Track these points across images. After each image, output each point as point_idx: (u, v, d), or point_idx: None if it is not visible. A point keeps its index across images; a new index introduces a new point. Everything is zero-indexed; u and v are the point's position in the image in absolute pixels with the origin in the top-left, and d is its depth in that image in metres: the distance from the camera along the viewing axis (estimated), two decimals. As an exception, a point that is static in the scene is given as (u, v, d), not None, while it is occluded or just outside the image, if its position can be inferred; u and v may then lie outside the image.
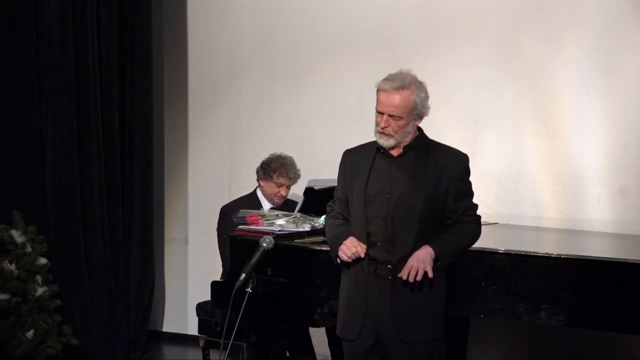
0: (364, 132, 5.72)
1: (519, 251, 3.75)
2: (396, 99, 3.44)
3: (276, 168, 5.04)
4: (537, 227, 5.06)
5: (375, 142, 3.57)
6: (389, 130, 3.46)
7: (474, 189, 3.63)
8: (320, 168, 5.61)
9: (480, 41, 5.39)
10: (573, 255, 3.69)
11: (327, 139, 5.93)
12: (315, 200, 4.57)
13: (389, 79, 3.49)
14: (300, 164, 5.23)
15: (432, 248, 3.39)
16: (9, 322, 4.98)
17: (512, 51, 5.31)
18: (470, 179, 3.62)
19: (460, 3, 5.46)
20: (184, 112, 6.54)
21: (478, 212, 3.60)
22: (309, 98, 6.04)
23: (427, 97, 3.51)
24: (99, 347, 5.64)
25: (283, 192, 5.06)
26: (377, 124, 3.50)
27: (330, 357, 5.11)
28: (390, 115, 3.45)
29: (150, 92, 6.15)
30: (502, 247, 3.77)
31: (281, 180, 5.04)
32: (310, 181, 4.80)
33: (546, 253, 3.70)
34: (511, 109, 5.32)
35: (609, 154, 5.05)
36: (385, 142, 3.48)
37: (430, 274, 3.36)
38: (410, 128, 3.49)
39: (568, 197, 5.14)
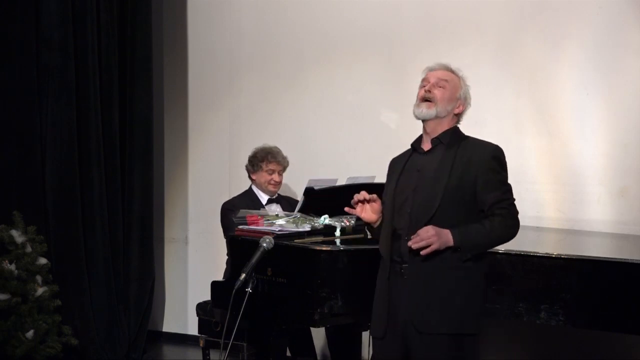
0: (363, 133, 5.79)
1: (519, 251, 3.75)
2: (445, 72, 3.48)
3: (263, 157, 5.09)
4: (537, 227, 5.06)
5: (411, 147, 3.55)
6: (431, 95, 3.41)
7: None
8: (319, 168, 5.63)
9: (481, 41, 5.40)
10: (573, 255, 3.69)
11: (327, 138, 5.94)
12: (315, 200, 4.57)
13: (438, 63, 3.53)
14: (299, 163, 5.23)
15: (452, 236, 3.26)
16: (9, 322, 4.98)
17: (512, 51, 5.32)
18: None
19: (461, 3, 5.47)
20: (184, 112, 6.55)
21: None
22: (308, 98, 6.05)
23: (469, 93, 3.51)
24: (99, 347, 5.64)
25: (276, 178, 5.10)
26: (418, 96, 3.46)
27: (330, 357, 5.11)
28: (436, 83, 3.43)
29: (150, 92, 6.15)
30: (502, 247, 3.77)
31: (271, 166, 5.08)
32: (310, 181, 4.81)
33: (546, 253, 3.71)
34: (511, 109, 5.32)
35: (609, 154, 5.05)
36: (425, 109, 3.41)
37: (424, 253, 3.23)
38: (451, 108, 3.44)
39: (568, 197, 5.14)
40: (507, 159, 5.10)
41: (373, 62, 5.76)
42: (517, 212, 3.39)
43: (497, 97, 5.35)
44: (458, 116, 3.50)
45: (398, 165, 3.54)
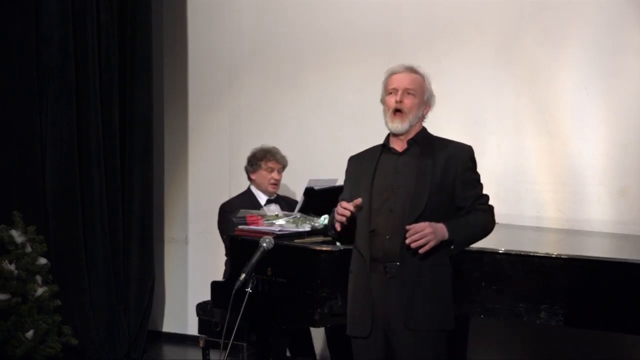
0: (363, 133, 5.74)
1: (519, 251, 3.75)
2: (410, 76, 3.55)
3: (262, 156, 5.11)
4: (537, 227, 5.06)
5: (379, 145, 3.61)
6: (403, 106, 3.49)
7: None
8: (319, 168, 5.62)
9: (481, 41, 5.40)
10: (573, 255, 3.69)
11: (327, 139, 5.94)
12: (315, 200, 4.57)
13: (399, 65, 3.58)
14: (299, 163, 5.22)
15: (447, 231, 3.37)
16: (9, 322, 4.98)
17: (512, 51, 5.32)
18: None
19: (461, 3, 5.46)
20: (184, 112, 6.55)
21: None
22: (308, 98, 6.05)
23: (433, 92, 3.60)
24: (99, 347, 5.65)
25: (276, 176, 5.11)
26: (388, 107, 3.52)
27: (330, 357, 5.11)
28: (405, 92, 3.50)
29: (150, 92, 6.15)
30: (502, 247, 3.77)
31: (270, 164, 5.09)
32: (310, 181, 4.81)
33: (546, 253, 3.70)
34: (511, 109, 5.32)
35: (609, 154, 5.05)
36: (400, 125, 3.50)
37: (423, 250, 3.33)
38: (420, 113, 3.55)
39: (568, 197, 5.14)
40: (507, 159, 5.17)
41: (373, 62, 5.74)
42: (493, 207, 3.57)
43: (497, 97, 5.35)
44: (424, 115, 3.61)
45: (367, 164, 3.59)
